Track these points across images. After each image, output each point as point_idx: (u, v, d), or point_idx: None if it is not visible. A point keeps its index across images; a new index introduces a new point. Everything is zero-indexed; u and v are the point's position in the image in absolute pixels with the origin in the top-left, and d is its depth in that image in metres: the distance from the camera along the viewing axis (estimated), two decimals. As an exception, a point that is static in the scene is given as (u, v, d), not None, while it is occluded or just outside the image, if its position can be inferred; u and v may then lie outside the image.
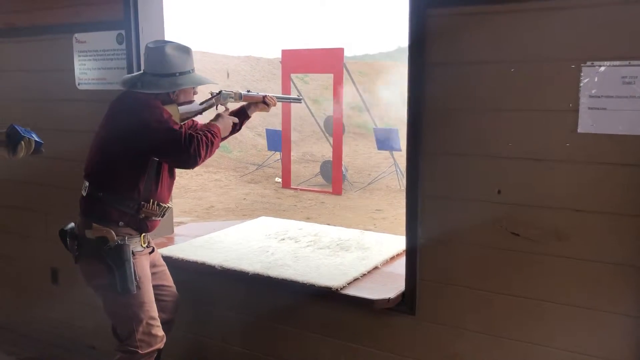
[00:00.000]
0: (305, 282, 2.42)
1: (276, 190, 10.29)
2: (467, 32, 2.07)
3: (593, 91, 1.87)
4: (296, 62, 10.20)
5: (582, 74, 1.88)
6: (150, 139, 2.20)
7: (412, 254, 2.27)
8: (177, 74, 2.30)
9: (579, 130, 1.91)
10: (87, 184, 2.33)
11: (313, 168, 12.25)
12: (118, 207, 2.26)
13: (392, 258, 2.69)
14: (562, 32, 1.92)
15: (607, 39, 1.85)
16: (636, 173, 1.85)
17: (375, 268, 2.57)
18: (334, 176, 10.18)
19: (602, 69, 1.85)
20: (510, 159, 2.05)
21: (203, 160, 2.25)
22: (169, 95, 2.32)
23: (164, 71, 2.29)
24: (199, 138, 2.21)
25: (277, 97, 2.74)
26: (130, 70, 2.89)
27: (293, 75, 11.01)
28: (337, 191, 9.99)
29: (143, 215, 2.30)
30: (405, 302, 2.30)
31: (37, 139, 2.13)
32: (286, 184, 10.52)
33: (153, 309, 2.34)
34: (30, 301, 3.51)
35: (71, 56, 3.11)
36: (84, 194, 2.34)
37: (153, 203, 2.31)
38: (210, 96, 2.55)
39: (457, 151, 2.14)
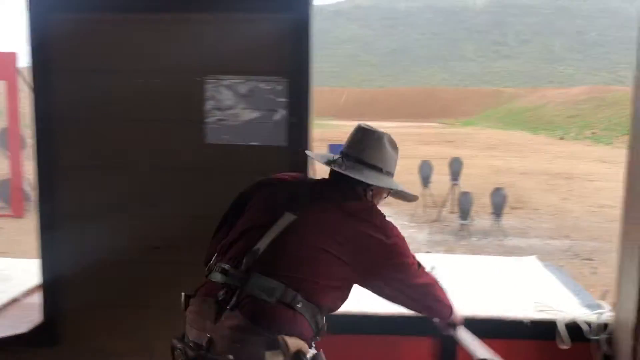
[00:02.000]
0: None
1: None
2: (95, 39, 1.99)
3: (215, 104, 1.96)
4: (-43, 66, 8.74)
5: (206, 87, 1.96)
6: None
7: (49, 281, 2.06)
8: (383, 171, 1.85)
9: (207, 140, 1.98)
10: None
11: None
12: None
13: (39, 287, 2.42)
14: (188, 47, 1.97)
15: (227, 56, 1.96)
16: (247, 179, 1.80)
17: (15, 300, 2.28)
18: (13, 197, 9.05)
19: (224, 82, 1.96)
20: (148, 171, 2.02)
21: None
22: (360, 196, 1.83)
23: (372, 161, 1.84)
24: None
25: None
26: None
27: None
28: (18, 213, 8.90)
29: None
30: (45, 333, 2.08)
31: None
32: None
33: None
34: None
35: None
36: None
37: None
38: None
39: (93, 164, 2.03)
